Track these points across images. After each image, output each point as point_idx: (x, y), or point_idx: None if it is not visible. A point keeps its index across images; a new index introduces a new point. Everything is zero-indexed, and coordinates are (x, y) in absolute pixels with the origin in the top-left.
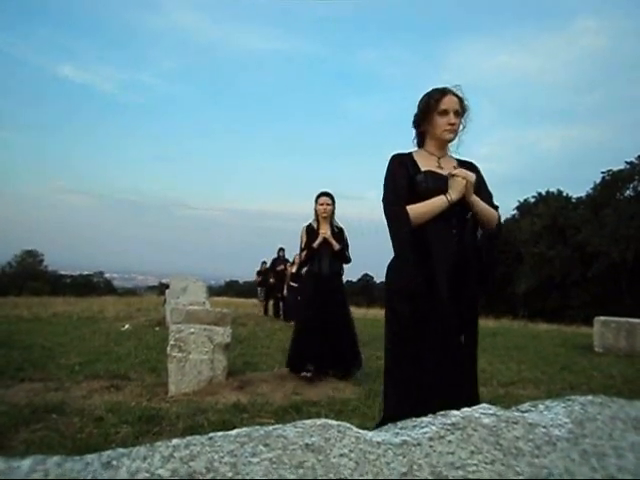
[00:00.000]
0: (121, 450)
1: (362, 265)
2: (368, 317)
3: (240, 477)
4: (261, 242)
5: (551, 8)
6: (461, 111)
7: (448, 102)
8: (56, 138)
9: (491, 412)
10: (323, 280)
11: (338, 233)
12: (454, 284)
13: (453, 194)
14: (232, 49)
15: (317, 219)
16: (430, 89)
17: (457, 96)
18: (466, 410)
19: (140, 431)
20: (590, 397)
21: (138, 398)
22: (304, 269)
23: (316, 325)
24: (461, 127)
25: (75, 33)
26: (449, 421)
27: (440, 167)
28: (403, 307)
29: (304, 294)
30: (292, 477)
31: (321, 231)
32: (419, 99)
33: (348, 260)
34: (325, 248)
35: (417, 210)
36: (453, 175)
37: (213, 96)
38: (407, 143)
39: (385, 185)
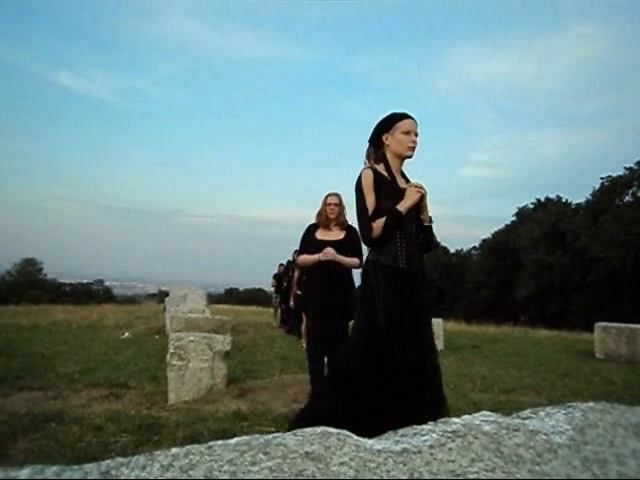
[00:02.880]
0: (120, 459)
1: None
2: None
3: None
4: (261, 250)
5: (545, 14)
6: None
7: None
8: (52, 145)
9: (492, 419)
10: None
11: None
12: None
13: None
14: (229, 56)
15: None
16: None
17: None
18: (467, 417)
19: (139, 440)
20: (591, 404)
21: (138, 407)
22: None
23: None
24: None
25: (73, 40)
26: (449, 429)
27: None
28: None
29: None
30: None
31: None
32: None
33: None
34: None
35: None
36: None
37: (210, 103)
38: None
39: None
